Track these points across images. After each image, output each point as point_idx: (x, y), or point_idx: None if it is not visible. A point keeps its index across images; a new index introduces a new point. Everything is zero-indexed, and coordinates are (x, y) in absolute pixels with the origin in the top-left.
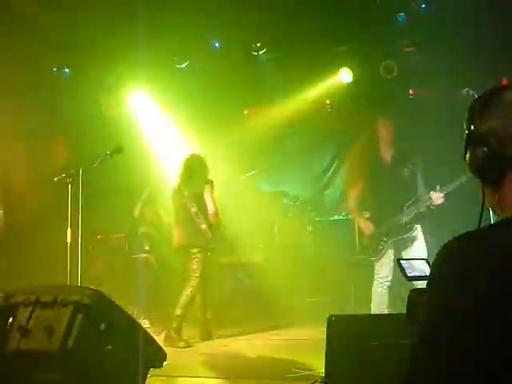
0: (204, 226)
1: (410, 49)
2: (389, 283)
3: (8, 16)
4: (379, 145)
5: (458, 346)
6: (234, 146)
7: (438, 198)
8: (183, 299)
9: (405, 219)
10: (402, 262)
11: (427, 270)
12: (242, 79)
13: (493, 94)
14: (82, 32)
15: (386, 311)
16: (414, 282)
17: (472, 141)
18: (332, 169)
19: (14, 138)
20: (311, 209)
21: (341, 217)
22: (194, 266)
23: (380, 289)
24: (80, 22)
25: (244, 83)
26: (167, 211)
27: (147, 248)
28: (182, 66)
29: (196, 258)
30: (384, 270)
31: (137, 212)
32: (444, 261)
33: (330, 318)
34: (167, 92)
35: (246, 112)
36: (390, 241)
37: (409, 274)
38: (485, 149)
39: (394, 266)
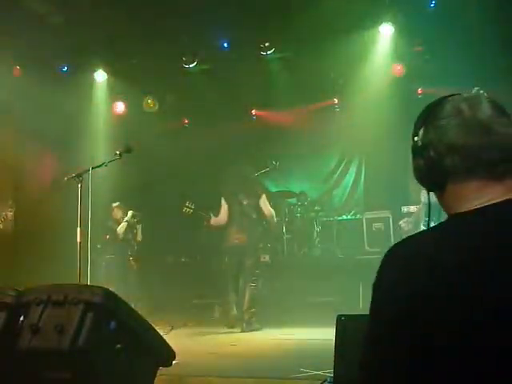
0: (261, 230)
1: (420, 48)
2: None
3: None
4: None
5: (381, 347)
6: (241, 146)
7: None
8: (253, 293)
9: None
10: None
11: None
12: (250, 79)
13: (435, 105)
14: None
15: None
16: None
17: (415, 152)
18: (340, 169)
19: (26, 138)
20: (319, 209)
21: (349, 216)
22: (254, 264)
23: None
24: (91, 23)
25: (252, 83)
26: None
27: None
28: (191, 66)
29: (255, 257)
30: None
31: (121, 231)
32: (380, 267)
33: (338, 318)
34: (175, 93)
35: (253, 112)
36: None
37: None
38: (424, 160)
39: None
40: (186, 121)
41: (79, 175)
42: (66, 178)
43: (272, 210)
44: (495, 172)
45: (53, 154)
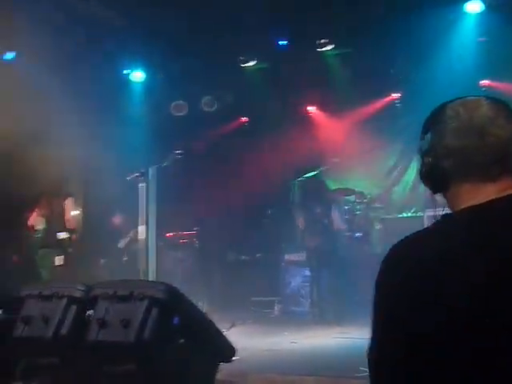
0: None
1: (484, 38)
2: None
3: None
4: None
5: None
6: (300, 143)
7: None
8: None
9: None
10: None
11: None
12: (309, 77)
13: (438, 110)
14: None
15: None
16: None
17: (420, 155)
18: (400, 165)
19: (92, 137)
20: (379, 206)
21: (410, 214)
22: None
23: None
24: (151, 25)
25: (311, 81)
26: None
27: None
28: (249, 65)
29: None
30: None
31: (123, 244)
32: (382, 262)
33: None
34: (234, 92)
35: (312, 109)
36: None
37: None
38: (427, 163)
39: None
40: (245, 120)
41: (142, 174)
42: (128, 178)
43: (340, 224)
44: (489, 174)
45: (117, 153)
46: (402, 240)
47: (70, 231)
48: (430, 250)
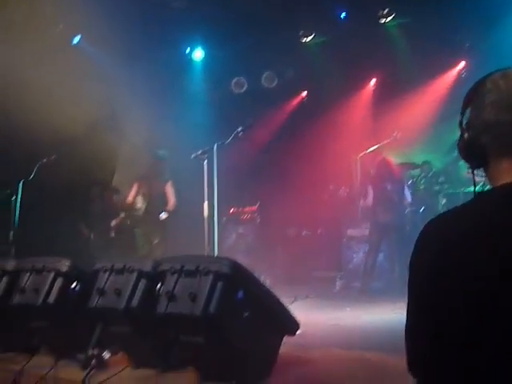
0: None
1: None
2: None
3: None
4: None
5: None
6: (361, 117)
7: None
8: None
9: None
10: None
11: None
12: (369, 49)
13: (478, 83)
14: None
15: None
16: None
17: (460, 131)
18: None
19: (155, 119)
20: (444, 180)
21: (477, 188)
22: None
23: None
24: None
25: (372, 53)
26: None
27: None
28: (308, 39)
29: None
30: None
31: (114, 223)
32: (415, 241)
33: None
34: (294, 67)
35: (372, 83)
36: None
37: None
38: (465, 139)
39: None
40: (305, 94)
41: (204, 152)
42: (193, 156)
43: (409, 199)
44: None
45: (181, 132)
46: (434, 218)
47: (170, 212)
48: (460, 229)
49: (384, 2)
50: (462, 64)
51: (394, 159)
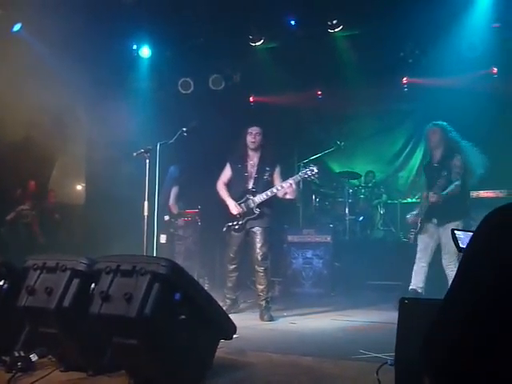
0: None
1: (498, 25)
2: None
3: None
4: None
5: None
6: (306, 125)
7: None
8: None
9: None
10: (456, 232)
11: None
12: (317, 58)
13: None
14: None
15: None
16: None
17: None
18: (406, 150)
19: (98, 116)
20: (383, 191)
21: (414, 200)
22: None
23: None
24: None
25: (319, 62)
26: None
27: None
28: (257, 44)
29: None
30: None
31: (9, 217)
32: (479, 226)
33: (401, 301)
34: (242, 71)
35: (319, 92)
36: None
37: (461, 245)
38: None
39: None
40: (253, 99)
41: (147, 151)
42: (135, 154)
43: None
44: None
45: (122, 129)
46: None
47: (173, 215)
48: None
49: (333, 13)
50: (405, 79)
51: (337, 168)
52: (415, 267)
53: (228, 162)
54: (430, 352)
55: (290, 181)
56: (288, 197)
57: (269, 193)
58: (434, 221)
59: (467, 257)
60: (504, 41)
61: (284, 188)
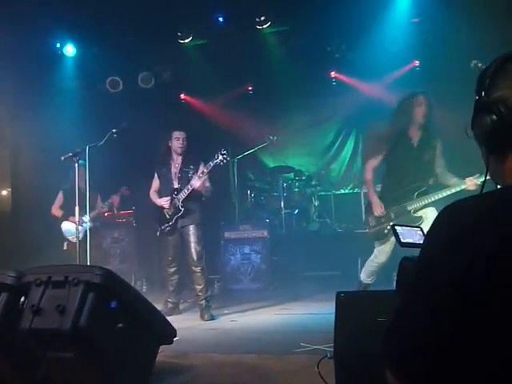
0: None
1: (417, 20)
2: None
3: None
4: (408, 125)
5: (435, 298)
6: (239, 121)
7: (473, 184)
8: None
9: (413, 207)
10: (396, 228)
11: (421, 239)
12: (246, 54)
13: (505, 61)
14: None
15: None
16: (406, 248)
17: (481, 109)
18: (337, 143)
19: (22, 118)
20: (317, 183)
21: (347, 191)
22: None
23: (373, 269)
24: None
25: (248, 58)
26: None
27: None
28: (186, 41)
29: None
30: (383, 257)
31: None
32: (434, 225)
33: (338, 295)
34: (171, 68)
35: (250, 88)
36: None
37: (402, 240)
38: (493, 117)
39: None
40: (183, 96)
41: (76, 154)
42: (63, 158)
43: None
44: None
45: (49, 132)
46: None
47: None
48: (489, 224)
49: (260, 9)
50: (333, 73)
51: (271, 162)
52: None
53: (155, 171)
54: (390, 345)
55: (203, 169)
56: (206, 184)
57: (189, 187)
58: None
59: (425, 254)
60: (423, 33)
61: (201, 178)
